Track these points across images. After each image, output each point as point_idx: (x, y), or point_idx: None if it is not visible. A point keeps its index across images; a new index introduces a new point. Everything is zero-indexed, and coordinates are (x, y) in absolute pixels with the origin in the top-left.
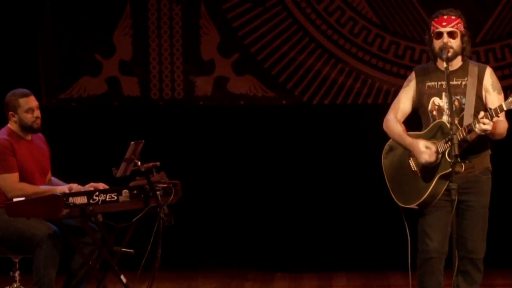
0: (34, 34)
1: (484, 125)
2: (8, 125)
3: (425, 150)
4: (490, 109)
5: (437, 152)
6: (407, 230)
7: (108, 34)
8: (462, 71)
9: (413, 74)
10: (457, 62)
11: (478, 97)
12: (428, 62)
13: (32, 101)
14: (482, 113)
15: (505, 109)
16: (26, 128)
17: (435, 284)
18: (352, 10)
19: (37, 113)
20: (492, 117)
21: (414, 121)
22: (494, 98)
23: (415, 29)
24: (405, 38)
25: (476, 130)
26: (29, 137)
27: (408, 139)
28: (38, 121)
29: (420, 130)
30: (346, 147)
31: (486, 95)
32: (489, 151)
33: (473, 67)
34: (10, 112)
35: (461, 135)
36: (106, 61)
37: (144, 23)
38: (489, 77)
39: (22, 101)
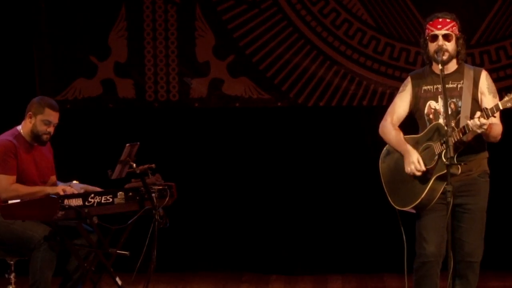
0: (29, 36)
1: (479, 120)
2: (19, 126)
3: (415, 163)
4: (486, 108)
5: (424, 171)
6: (403, 234)
7: (103, 36)
8: (458, 74)
9: (408, 79)
10: (452, 65)
11: (474, 100)
12: (424, 67)
13: (55, 117)
14: (478, 113)
15: (501, 108)
16: (35, 136)
17: (432, 287)
18: (347, 12)
19: (52, 130)
20: (488, 116)
21: (410, 125)
22: (489, 101)
23: (410, 32)
24: (400, 40)
25: (471, 125)
26: (34, 143)
27: (403, 146)
28: (48, 137)
29: (416, 133)
30: (342, 149)
31: (482, 98)
32: (486, 154)
33: (469, 70)
34: (30, 113)
35: (457, 137)
36: (101, 63)
37: (139, 25)
38: (485, 80)
39: (47, 110)
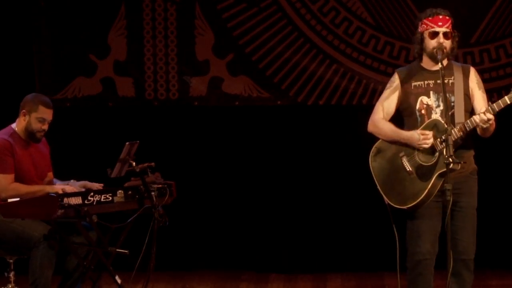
0: (28, 35)
1: (486, 115)
2: (14, 124)
3: (422, 138)
4: (492, 103)
5: (434, 137)
6: (396, 232)
7: (102, 35)
8: (448, 70)
9: (396, 75)
10: (443, 62)
11: (466, 95)
12: (410, 63)
13: (49, 114)
14: (483, 108)
15: (508, 102)
16: (29, 133)
17: (427, 285)
18: (347, 11)
19: (46, 127)
20: (494, 111)
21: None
22: (480, 96)
23: (409, 30)
24: (400, 38)
25: (478, 120)
26: (30, 141)
27: (404, 133)
28: (42, 134)
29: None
30: (341, 148)
31: (473, 93)
32: (473, 152)
33: (457, 67)
34: (24, 111)
35: (458, 135)
36: (101, 61)
37: (139, 23)
38: (474, 76)
39: (41, 108)
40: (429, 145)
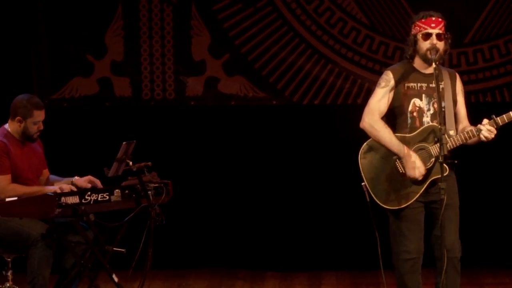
0: (26, 35)
1: (492, 133)
2: (6, 125)
3: (420, 168)
4: (495, 117)
5: (425, 174)
6: (376, 230)
7: (100, 35)
8: (439, 75)
9: (390, 75)
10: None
11: (454, 101)
12: (401, 63)
13: (43, 115)
14: (486, 121)
15: None
16: (27, 136)
17: (416, 283)
18: (341, 11)
19: (42, 126)
20: (498, 125)
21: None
22: (461, 104)
23: (404, 30)
24: (394, 38)
25: (485, 132)
26: (25, 141)
27: (402, 148)
28: (39, 133)
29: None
30: (336, 147)
31: (457, 99)
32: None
33: (445, 72)
34: (18, 117)
35: (461, 141)
36: (98, 61)
37: (136, 24)
38: (459, 83)
39: (36, 113)
40: (414, 177)
